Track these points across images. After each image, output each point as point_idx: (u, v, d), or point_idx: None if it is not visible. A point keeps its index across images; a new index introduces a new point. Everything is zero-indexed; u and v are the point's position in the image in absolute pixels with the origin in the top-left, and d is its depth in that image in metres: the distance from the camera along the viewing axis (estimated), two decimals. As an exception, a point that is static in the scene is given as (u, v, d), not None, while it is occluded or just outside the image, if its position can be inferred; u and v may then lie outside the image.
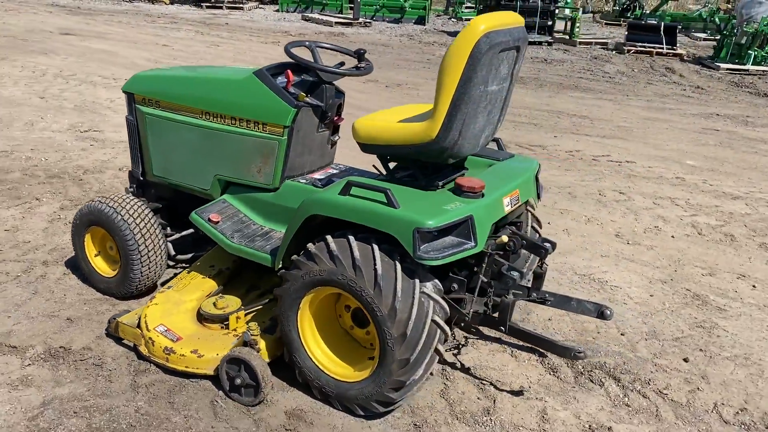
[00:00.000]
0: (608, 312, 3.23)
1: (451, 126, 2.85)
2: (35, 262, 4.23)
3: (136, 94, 3.86)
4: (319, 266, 2.88)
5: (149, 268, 3.68)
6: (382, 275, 2.74)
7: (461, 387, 3.29)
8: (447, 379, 3.35)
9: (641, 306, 4.20)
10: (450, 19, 23.43)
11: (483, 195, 3.01)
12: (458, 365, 3.45)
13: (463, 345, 3.63)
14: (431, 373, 2.94)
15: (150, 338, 3.22)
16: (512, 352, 3.61)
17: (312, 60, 3.54)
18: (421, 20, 21.58)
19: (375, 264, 2.76)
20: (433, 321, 2.79)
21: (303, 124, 3.45)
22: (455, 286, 3.13)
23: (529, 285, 3.30)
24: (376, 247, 2.81)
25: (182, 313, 3.41)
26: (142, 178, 4.05)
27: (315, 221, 2.99)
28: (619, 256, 4.93)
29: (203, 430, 2.88)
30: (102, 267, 3.88)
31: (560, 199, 6.06)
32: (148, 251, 3.65)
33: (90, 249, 3.87)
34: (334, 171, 3.78)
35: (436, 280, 2.90)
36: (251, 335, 3.06)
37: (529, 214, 3.70)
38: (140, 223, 3.64)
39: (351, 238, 2.85)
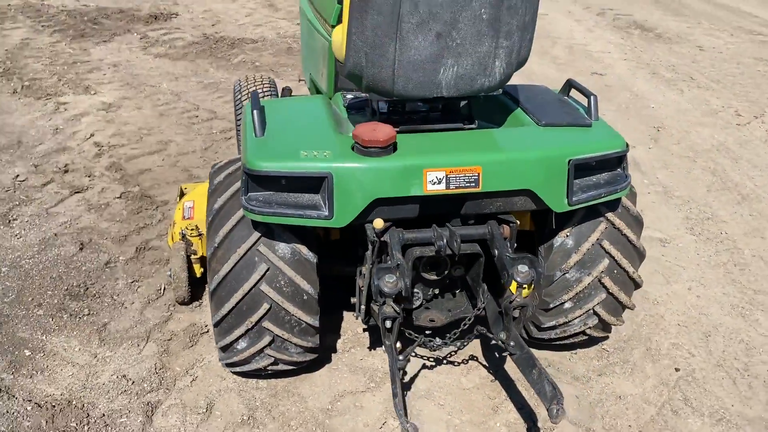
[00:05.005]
0: (555, 411, 2.15)
1: (350, 44, 2.32)
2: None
3: None
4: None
5: None
6: (220, 212, 2.46)
7: (369, 401, 2.71)
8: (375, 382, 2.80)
9: None
10: None
11: (394, 150, 2.32)
12: (412, 383, 2.79)
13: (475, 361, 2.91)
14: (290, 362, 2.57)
15: (178, 208, 3.30)
16: (503, 399, 2.71)
17: None
18: None
19: (220, 197, 2.49)
20: (260, 290, 2.39)
21: None
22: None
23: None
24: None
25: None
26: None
27: None
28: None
29: (101, 307, 3.15)
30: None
31: None
32: None
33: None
34: None
35: (300, 247, 2.42)
36: (188, 232, 3.00)
37: (603, 224, 2.56)
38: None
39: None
